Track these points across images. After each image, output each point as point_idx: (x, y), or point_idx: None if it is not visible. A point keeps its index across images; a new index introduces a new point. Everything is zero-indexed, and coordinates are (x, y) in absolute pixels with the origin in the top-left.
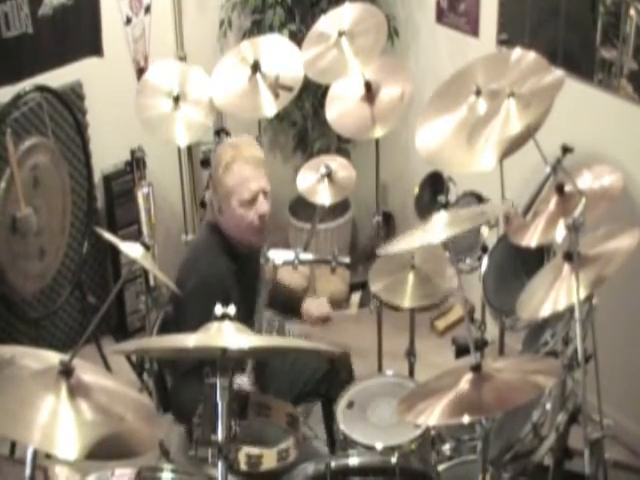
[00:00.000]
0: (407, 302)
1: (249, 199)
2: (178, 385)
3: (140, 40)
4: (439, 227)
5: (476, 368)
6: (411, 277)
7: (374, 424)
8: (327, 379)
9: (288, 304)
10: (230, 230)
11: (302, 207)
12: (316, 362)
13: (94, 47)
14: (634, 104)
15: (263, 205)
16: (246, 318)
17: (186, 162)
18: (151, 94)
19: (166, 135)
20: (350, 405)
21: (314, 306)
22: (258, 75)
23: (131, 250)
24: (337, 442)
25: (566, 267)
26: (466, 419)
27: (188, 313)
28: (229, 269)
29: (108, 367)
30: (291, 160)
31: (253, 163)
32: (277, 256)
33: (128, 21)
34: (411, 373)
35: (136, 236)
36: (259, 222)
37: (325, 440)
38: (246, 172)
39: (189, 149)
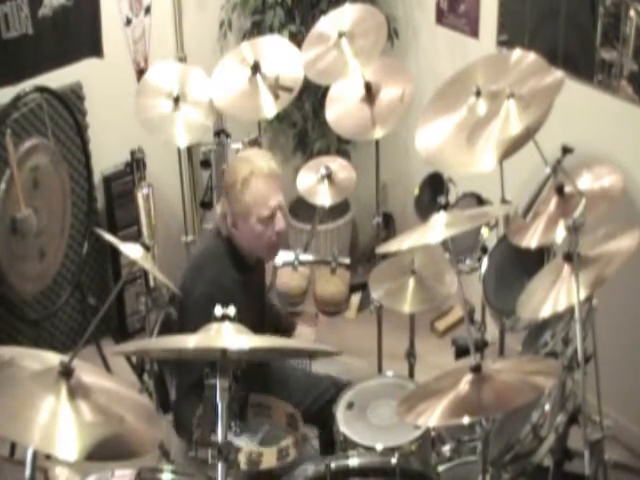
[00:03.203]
0: (407, 307)
1: (268, 216)
2: (181, 401)
3: (140, 41)
4: (438, 228)
5: (476, 369)
6: (411, 282)
7: (374, 425)
8: (330, 407)
9: (280, 327)
10: (244, 244)
11: (302, 208)
12: (322, 388)
13: (94, 48)
14: (634, 105)
15: (281, 222)
16: (257, 328)
17: (186, 163)
18: (151, 95)
19: (166, 136)
20: (350, 406)
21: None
22: (258, 76)
23: (131, 251)
24: (337, 443)
25: (566, 268)
26: (466, 420)
27: (190, 323)
28: (235, 281)
29: (108, 368)
30: (291, 161)
31: (270, 177)
32: (277, 257)
33: (128, 22)
34: (411, 374)
35: (136, 237)
36: (277, 239)
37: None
38: (264, 188)
39: (189, 150)
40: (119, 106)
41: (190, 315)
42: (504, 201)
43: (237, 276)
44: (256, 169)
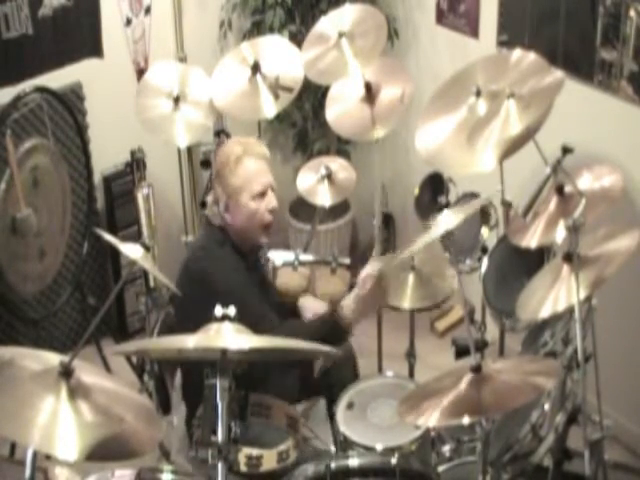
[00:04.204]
0: (407, 303)
1: (261, 192)
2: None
3: (140, 41)
4: (443, 225)
5: (476, 369)
6: (411, 278)
7: (374, 425)
8: (331, 375)
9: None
10: (237, 227)
11: (302, 208)
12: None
13: (94, 48)
14: (634, 105)
15: (273, 199)
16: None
17: (186, 163)
18: (151, 95)
19: (166, 136)
20: (350, 406)
21: (309, 305)
22: (258, 76)
23: (131, 251)
24: (337, 443)
25: (566, 268)
26: (466, 420)
27: (191, 317)
28: (235, 262)
29: (108, 368)
30: (291, 161)
31: (262, 159)
32: (277, 257)
33: (128, 22)
34: (411, 374)
35: (136, 237)
36: (269, 218)
37: (328, 440)
38: (257, 166)
39: (189, 150)
40: (119, 106)
41: (192, 307)
42: (504, 201)
43: (238, 261)
44: (248, 149)
